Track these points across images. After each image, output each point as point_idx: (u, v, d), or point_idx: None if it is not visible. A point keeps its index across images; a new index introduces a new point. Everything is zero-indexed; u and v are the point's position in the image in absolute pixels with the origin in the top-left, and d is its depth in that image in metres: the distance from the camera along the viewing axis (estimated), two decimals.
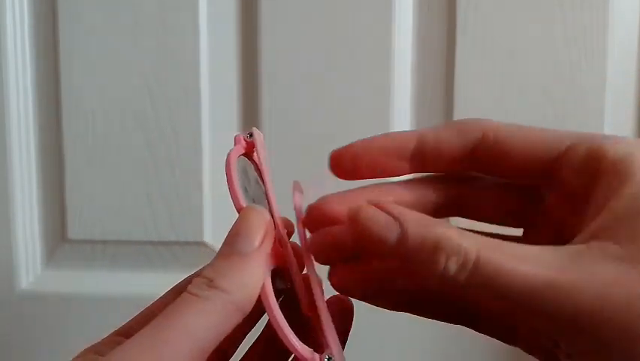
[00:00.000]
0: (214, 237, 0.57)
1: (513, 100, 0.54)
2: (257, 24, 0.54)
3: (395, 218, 0.23)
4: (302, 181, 0.30)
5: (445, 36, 0.54)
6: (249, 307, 0.24)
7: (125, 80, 0.55)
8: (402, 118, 0.55)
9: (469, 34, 0.53)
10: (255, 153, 0.28)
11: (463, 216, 0.28)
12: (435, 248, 0.22)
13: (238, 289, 0.24)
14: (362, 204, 0.24)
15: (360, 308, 0.29)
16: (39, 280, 0.59)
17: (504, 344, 0.27)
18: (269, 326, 0.27)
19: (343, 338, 0.27)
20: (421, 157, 0.26)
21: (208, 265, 0.25)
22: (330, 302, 0.27)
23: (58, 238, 0.58)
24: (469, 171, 0.27)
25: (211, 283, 0.24)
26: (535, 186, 0.27)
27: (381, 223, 0.23)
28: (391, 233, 0.23)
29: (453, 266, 0.21)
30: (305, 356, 0.24)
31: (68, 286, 0.58)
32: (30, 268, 0.58)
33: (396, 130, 0.55)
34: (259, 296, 0.24)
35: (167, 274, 0.58)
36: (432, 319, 0.28)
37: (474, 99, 0.54)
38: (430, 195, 0.27)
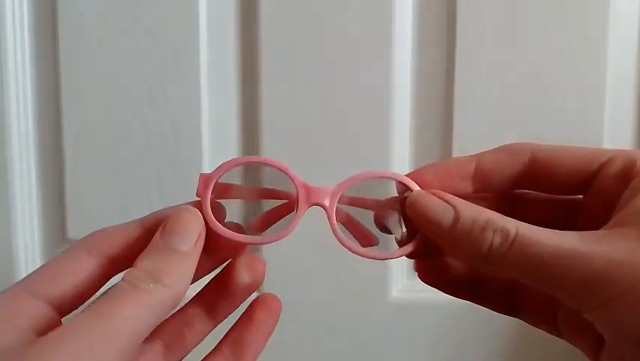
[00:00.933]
0: None
1: (512, 101, 0.54)
2: (257, 24, 0.54)
3: (449, 203, 0.28)
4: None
5: (445, 36, 0.54)
6: (181, 299, 0.27)
7: (125, 80, 0.55)
8: (402, 118, 0.55)
9: (469, 35, 0.53)
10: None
11: None
12: (484, 227, 0.26)
13: (177, 284, 0.26)
14: (420, 191, 0.29)
15: None
16: None
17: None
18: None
19: (265, 338, 0.31)
20: (481, 177, 0.30)
21: (143, 256, 0.27)
22: (259, 301, 0.31)
23: (58, 238, 0.58)
24: (520, 188, 0.31)
25: (153, 277, 0.26)
26: (576, 199, 0.31)
27: (438, 208, 0.28)
28: (447, 215, 0.27)
29: (498, 240, 0.26)
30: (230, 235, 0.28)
31: None
32: (30, 268, 0.58)
33: (396, 130, 0.55)
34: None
35: None
36: (484, 305, 0.32)
37: (474, 100, 0.54)
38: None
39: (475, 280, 0.32)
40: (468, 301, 0.32)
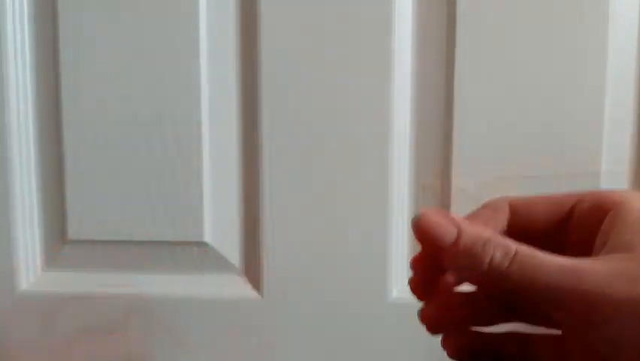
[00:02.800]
0: (214, 237, 0.57)
1: (512, 102, 0.54)
2: (257, 25, 0.54)
3: (453, 223, 0.29)
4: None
5: (445, 37, 0.54)
6: None
7: (125, 81, 0.55)
8: (402, 118, 0.55)
9: (469, 35, 0.53)
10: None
11: None
12: (485, 243, 0.28)
13: None
14: (425, 210, 0.30)
15: None
16: (39, 281, 0.59)
17: None
18: None
19: None
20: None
21: None
22: None
23: (59, 239, 0.58)
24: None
25: None
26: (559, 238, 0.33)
27: (441, 225, 0.29)
28: (450, 233, 0.29)
29: (498, 255, 0.28)
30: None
31: (69, 287, 0.58)
32: (30, 269, 0.58)
33: (397, 129, 0.55)
34: None
35: (168, 274, 0.58)
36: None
37: (474, 101, 0.54)
38: None
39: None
40: None
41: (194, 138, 0.55)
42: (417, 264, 0.33)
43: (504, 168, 0.54)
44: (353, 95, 0.54)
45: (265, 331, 0.57)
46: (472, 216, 0.33)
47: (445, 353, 0.57)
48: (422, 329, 0.54)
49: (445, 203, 0.55)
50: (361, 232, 0.55)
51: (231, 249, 0.57)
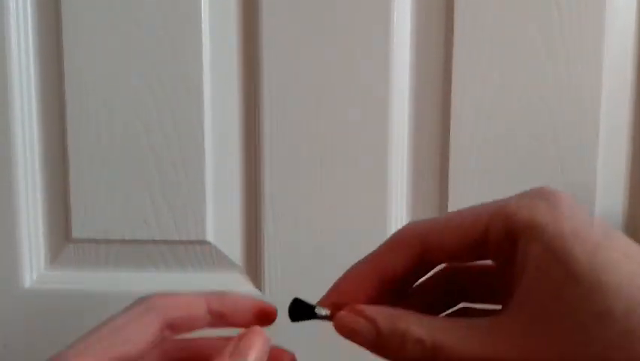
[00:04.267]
0: (216, 236, 0.57)
1: (510, 102, 0.54)
2: (258, 25, 0.54)
3: (368, 319, 0.30)
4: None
5: (444, 38, 0.54)
6: None
7: (128, 81, 0.55)
8: (401, 117, 0.55)
9: (467, 37, 0.53)
10: None
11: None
12: (402, 340, 0.29)
13: None
14: (342, 314, 0.31)
15: None
16: (43, 280, 0.59)
17: None
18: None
19: None
20: (387, 279, 0.32)
21: None
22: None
23: (62, 238, 0.59)
24: (422, 275, 0.33)
25: None
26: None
27: (359, 327, 0.30)
28: (370, 333, 0.30)
29: (416, 351, 0.29)
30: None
31: (72, 286, 0.58)
32: (34, 268, 0.59)
33: (395, 130, 0.55)
34: None
35: (170, 273, 0.58)
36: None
37: (471, 102, 0.54)
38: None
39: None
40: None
41: (197, 137, 0.56)
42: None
43: (502, 167, 0.54)
44: (353, 94, 0.54)
45: (266, 329, 0.57)
46: (379, 262, 0.32)
47: None
48: None
49: (442, 206, 0.56)
50: (361, 231, 0.55)
51: (233, 248, 0.57)
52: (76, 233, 0.58)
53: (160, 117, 0.55)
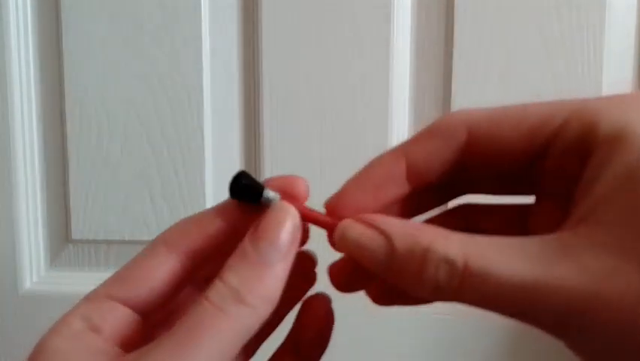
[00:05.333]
0: None
1: (510, 102, 0.54)
2: (258, 27, 0.54)
3: (381, 232, 0.23)
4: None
5: (444, 38, 0.54)
6: (268, 315, 0.24)
7: (128, 82, 0.55)
8: (401, 118, 0.55)
9: (467, 37, 0.53)
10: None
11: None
12: (423, 261, 0.22)
13: (263, 303, 0.23)
14: (347, 222, 0.24)
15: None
16: (43, 281, 0.59)
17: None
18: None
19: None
20: (417, 174, 0.25)
21: (230, 268, 0.24)
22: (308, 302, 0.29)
23: (62, 239, 0.59)
24: (462, 177, 0.26)
25: (237, 297, 0.23)
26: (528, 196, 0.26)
27: (368, 242, 0.23)
28: (380, 249, 0.23)
29: (443, 276, 0.21)
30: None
31: (72, 287, 0.58)
32: (34, 269, 0.59)
33: (396, 130, 0.55)
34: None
35: None
36: None
37: (471, 102, 0.54)
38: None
39: None
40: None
41: (197, 138, 0.56)
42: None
43: None
44: (353, 95, 0.54)
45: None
46: (411, 149, 0.25)
47: (445, 354, 0.57)
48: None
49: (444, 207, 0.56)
50: None
51: None
52: (76, 234, 0.58)
53: (160, 119, 0.55)
